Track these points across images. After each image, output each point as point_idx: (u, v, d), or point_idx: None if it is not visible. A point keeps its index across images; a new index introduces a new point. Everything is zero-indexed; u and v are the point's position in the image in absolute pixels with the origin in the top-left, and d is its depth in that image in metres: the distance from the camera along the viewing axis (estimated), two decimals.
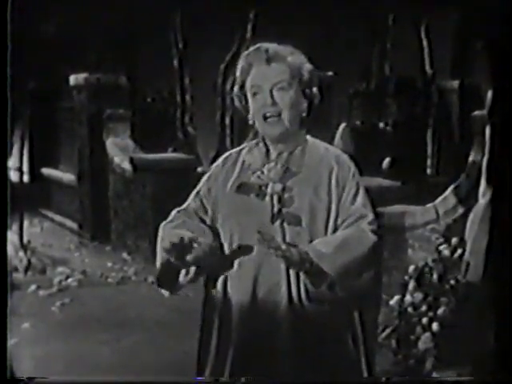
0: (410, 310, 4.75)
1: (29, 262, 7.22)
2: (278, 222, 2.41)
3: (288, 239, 2.39)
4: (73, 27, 9.13)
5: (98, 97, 8.94)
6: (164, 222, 2.54)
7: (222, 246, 2.46)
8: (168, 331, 5.32)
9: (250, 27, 10.66)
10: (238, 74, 2.50)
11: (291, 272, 2.39)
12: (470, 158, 5.71)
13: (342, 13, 9.72)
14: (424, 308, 4.70)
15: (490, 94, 4.61)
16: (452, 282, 4.75)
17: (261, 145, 2.52)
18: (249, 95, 2.47)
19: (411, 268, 4.97)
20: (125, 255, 7.88)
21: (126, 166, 8.33)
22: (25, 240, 7.67)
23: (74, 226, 9.33)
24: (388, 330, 4.66)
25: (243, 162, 2.52)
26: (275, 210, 2.42)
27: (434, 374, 4.38)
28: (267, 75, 2.43)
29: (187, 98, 11.04)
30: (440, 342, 4.50)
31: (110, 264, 7.58)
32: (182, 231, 2.41)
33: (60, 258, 7.78)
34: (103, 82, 8.96)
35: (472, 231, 4.92)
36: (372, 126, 11.08)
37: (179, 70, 10.96)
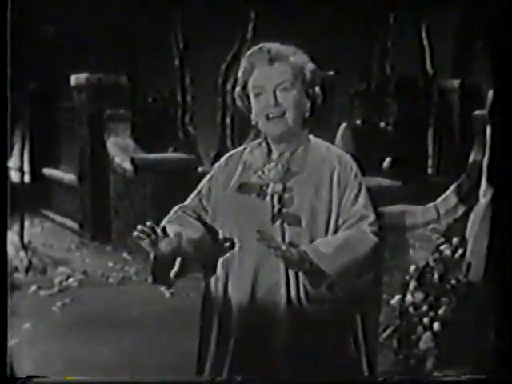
0: (410, 309, 4.74)
1: (29, 262, 7.21)
2: (278, 222, 2.41)
3: (288, 239, 2.39)
4: (73, 27, 9.12)
5: (99, 97, 8.94)
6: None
7: (216, 241, 2.47)
8: (168, 331, 5.31)
9: (250, 27, 10.65)
10: (240, 74, 2.50)
11: (290, 272, 2.39)
12: (471, 158, 5.71)
13: (341, 13, 9.72)
14: (425, 308, 4.70)
15: (490, 93, 4.61)
16: (453, 281, 4.74)
17: (263, 145, 2.52)
18: (251, 96, 2.47)
19: (412, 268, 4.97)
20: (125, 255, 7.87)
21: (127, 165, 8.33)
22: (25, 240, 7.66)
23: (75, 226, 9.33)
24: (389, 330, 4.66)
25: (245, 161, 2.52)
26: (275, 210, 2.42)
27: (435, 374, 4.38)
28: (270, 76, 2.43)
29: (188, 97, 11.03)
30: (441, 341, 4.49)
31: (110, 264, 7.58)
32: (169, 224, 2.46)
33: (61, 258, 7.78)
34: (104, 82, 8.96)
35: (473, 231, 4.92)
36: (373, 126, 11.07)
37: (180, 69, 10.95)
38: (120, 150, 8.73)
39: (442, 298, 4.69)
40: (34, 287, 6.58)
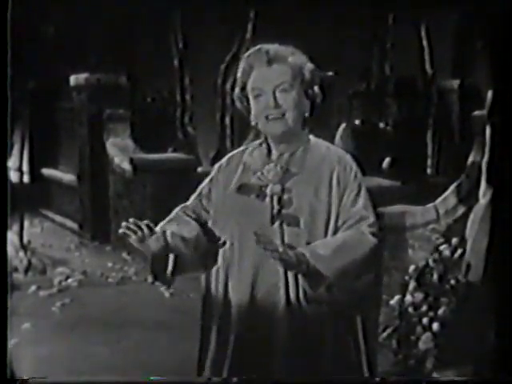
0: (410, 310, 4.74)
1: (29, 262, 7.22)
2: (277, 223, 2.41)
3: (287, 240, 2.39)
4: (73, 27, 9.12)
5: (98, 97, 8.94)
6: None
7: (214, 241, 2.49)
8: (168, 331, 5.32)
9: (250, 27, 10.65)
10: (239, 75, 2.50)
11: (289, 273, 2.39)
12: (470, 158, 5.70)
13: (342, 13, 9.72)
14: (424, 308, 4.70)
15: (490, 94, 4.61)
16: (452, 282, 4.74)
17: (263, 145, 2.52)
18: (251, 97, 2.47)
19: (411, 268, 4.97)
20: (125, 255, 7.87)
21: (126, 166, 8.33)
22: (25, 240, 7.66)
23: (75, 226, 9.33)
24: (388, 330, 4.66)
25: (245, 162, 2.52)
26: (275, 211, 2.42)
27: (435, 374, 4.38)
28: (269, 77, 2.42)
29: (187, 98, 11.03)
30: (440, 341, 4.49)
31: (110, 264, 7.58)
32: (168, 224, 2.50)
33: (60, 259, 7.78)
34: (103, 83, 8.96)
35: (472, 231, 4.92)
36: (372, 126, 11.07)
37: (179, 70, 10.95)
38: (119, 150, 8.73)
39: (441, 298, 4.69)
40: (33, 287, 6.58)
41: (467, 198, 5.46)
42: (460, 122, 10.61)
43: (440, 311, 4.63)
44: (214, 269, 2.50)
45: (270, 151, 2.50)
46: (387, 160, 10.19)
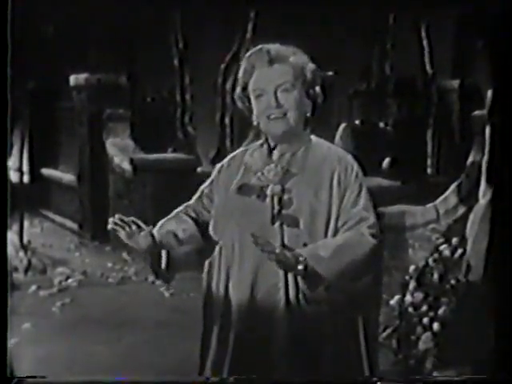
0: (410, 309, 4.74)
1: (29, 262, 7.21)
2: (277, 224, 2.41)
3: (287, 241, 2.39)
4: (73, 27, 9.12)
5: (98, 97, 8.94)
6: None
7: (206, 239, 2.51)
8: (168, 331, 5.32)
9: (250, 27, 10.64)
10: (240, 75, 2.50)
11: (289, 274, 2.39)
12: (470, 158, 5.71)
13: (342, 13, 9.71)
14: (424, 308, 4.70)
15: (490, 93, 4.61)
16: (452, 281, 4.74)
17: (264, 146, 2.52)
18: (252, 97, 2.46)
19: (411, 268, 4.97)
20: (125, 255, 7.87)
21: (126, 166, 8.32)
22: (25, 240, 7.66)
23: (74, 226, 9.32)
24: (388, 330, 4.66)
25: (246, 163, 2.52)
26: (275, 211, 2.42)
27: (435, 374, 4.38)
28: (270, 77, 2.42)
29: (187, 97, 11.02)
30: (440, 341, 4.49)
31: (110, 264, 7.57)
32: (167, 221, 2.53)
33: (60, 259, 7.77)
34: (103, 82, 8.96)
35: (472, 231, 4.92)
36: (372, 126, 11.07)
37: (179, 69, 10.95)
38: (119, 150, 8.73)
39: (441, 298, 4.69)
40: (33, 287, 6.58)
41: (467, 197, 5.47)
42: (460, 122, 10.61)
43: (440, 311, 4.63)
44: (215, 269, 2.50)
45: (270, 152, 2.50)
46: (387, 160, 10.19)
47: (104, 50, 9.31)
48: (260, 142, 2.55)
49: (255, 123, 2.48)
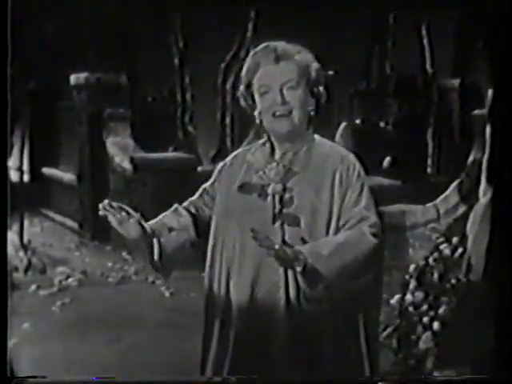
0: (410, 309, 4.74)
1: (29, 261, 7.22)
2: (278, 223, 2.41)
3: (288, 240, 2.39)
4: (73, 27, 9.12)
5: (99, 96, 8.95)
6: None
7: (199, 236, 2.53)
8: (168, 331, 5.32)
9: (250, 26, 10.65)
10: (244, 73, 2.49)
11: (290, 273, 2.38)
12: (471, 157, 5.71)
13: (342, 12, 9.72)
14: (425, 307, 4.70)
15: (490, 92, 4.61)
16: (453, 281, 4.74)
17: (267, 145, 2.52)
18: (256, 95, 2.46)
19: (412, 267, 4.97)
20: (125, 255, 7.87)
21: (127, 165, 8.33)
22: (25, 240, 7.67)
23: (75, 225, 9.33)
24: (389, 330, 4.66)
25: (248, 162, 2.52)
26: (276, 210, 2.42)
27: (435, 374, 4.38)
28: (276, 74, 2.42)
29: (187, 97, 11.03)
30: (441, 341, 4.49)
31: (110, 264, 7.58)
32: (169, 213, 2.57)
33: (60, 258, 7.78)
34: (103, 82, 8.97)
35: (473, 230, 4.91)
36: (373, 125, 11.09)
37: (179, 69, 10.96)
38: (119, 149, 8.73)
39: (441, 297, 4.69)
40: (33, 287, 6.58)
41: (468, 196, 5.46)
42: (460, 121, 10.61)
43: (440, 310, 4.63)
44: (216, 268, 2.50)
45: (273, 150, 2.50)
46: (388, 159, 10.20)
47: (104, 49, 9.31)
48: (262, 140, 2.54)
49: (258, 121, 2.47)
